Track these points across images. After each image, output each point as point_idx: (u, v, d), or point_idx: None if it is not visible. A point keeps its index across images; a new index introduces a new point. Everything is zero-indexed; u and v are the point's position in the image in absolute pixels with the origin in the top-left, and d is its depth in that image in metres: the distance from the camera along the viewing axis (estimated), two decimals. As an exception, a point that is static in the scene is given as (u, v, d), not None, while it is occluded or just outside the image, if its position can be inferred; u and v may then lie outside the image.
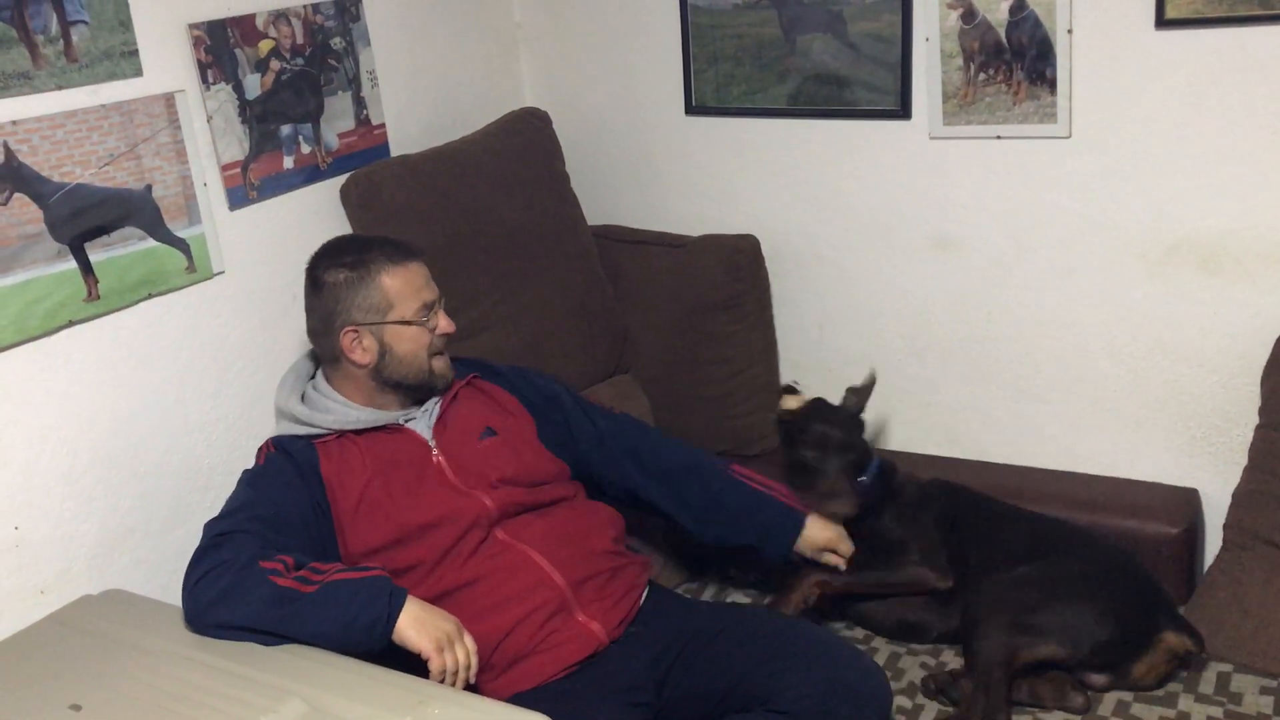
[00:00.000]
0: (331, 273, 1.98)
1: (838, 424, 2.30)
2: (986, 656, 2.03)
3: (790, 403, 2.38)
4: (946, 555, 2.24)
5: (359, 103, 2.45)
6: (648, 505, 2.24)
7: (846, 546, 2.22)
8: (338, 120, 2.41)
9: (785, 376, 2.81)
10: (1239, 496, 2.25)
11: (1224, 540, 2.26)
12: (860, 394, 2.37)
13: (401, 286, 1.98)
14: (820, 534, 2.21)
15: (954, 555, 2.24)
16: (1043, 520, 2.27)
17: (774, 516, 2.21)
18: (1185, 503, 2.38)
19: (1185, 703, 2.05)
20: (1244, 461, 2.26)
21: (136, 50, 1.99)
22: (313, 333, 2.04)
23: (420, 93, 2.62)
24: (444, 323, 2.03)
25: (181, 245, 2.10)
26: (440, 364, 2.04)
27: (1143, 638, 2.06)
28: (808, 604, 2.23)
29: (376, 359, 1.98)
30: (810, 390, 2.46)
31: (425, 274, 2.03)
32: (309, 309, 2.03)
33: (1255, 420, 2.25)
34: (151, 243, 2.04)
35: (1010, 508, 2.31)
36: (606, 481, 2.22)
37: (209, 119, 2.13)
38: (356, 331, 1.97)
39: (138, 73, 2.00)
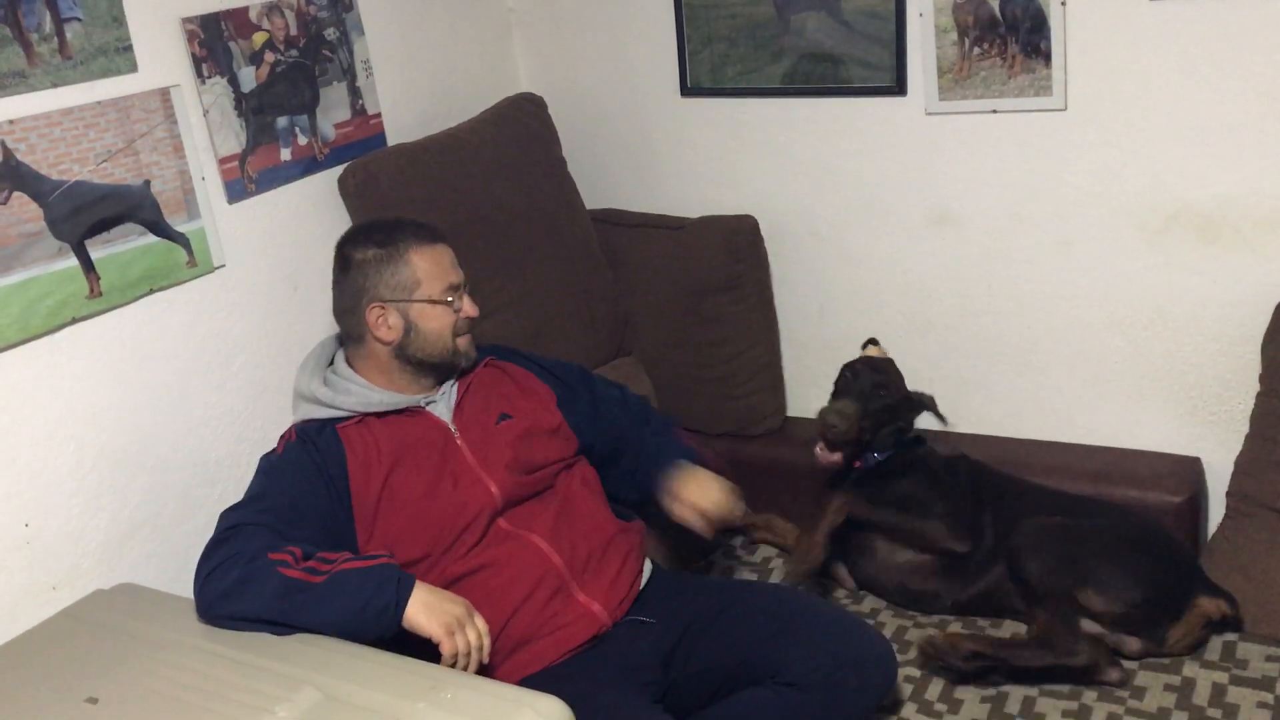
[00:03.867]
0: (361, 250, 1.99)
1: (888, 381, 2.34)
2: (1051, 591, 2.06)
3: (874, 351, 2.44)
4: (969, 523, 2.26)
5: (354, 93, 2.45)
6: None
7: (721, 513, 2.08)
8: (333, 111, 2.41)
9: (786, 357, 2.82)
10: (1241, 464, 2.26)
11: (1227, 508, 2.27)
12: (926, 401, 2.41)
13: (430, 266, 1.99)
14: (697, 487, 2.08)
15: (980, 525, 2.26)
16: (1070, 494, 2.30)
17: (670, 452, 2.18)
18: (1188, 471, 2.39)
19: (1190, 668, 2.06)
20: (1246, 429, 2.27)
21: (130, 46, 1.99)
22: (339, 311, 2.05)
23: (415, 81, 2.62)
24: (469, 306, 2.04)
25: (182, 240, 2.10)
26: (464, 343, 2.05)
27: (1177, 602, 2.07)
28: (835, 526, 2.27)
29: (401, 336, 1.99)
30: (812, 369, 2.47)
31: (452, 257, 2.04)
32: (337, 287, 2.04)
33: (1256, 388, 2.26)
34: (152, 238, 2.05)
35: (1036, 484, 2.33)
36: (601, 461, 2.22)
37: (205, 113, 2.13)
38: (383, 308, 1.98)
39: (132, 68, 2.00)
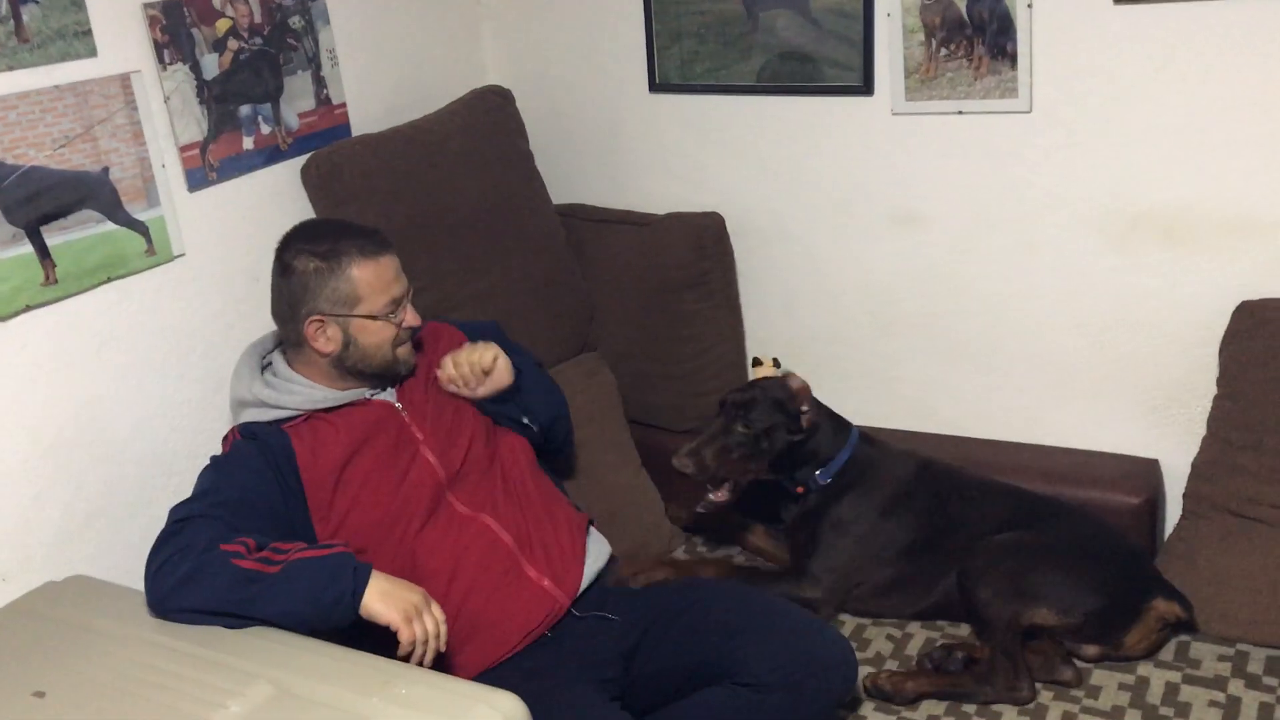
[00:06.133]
0: (302, 260, 1.95)
1: (755, 411, 2.28)
2: (996, 622, 2.06)
3: (760, 372, 2.39)
4: (925, 540, 2.27)
5: (319, 82, 2.43)
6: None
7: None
8: (298, 100, 2.38)
9: (751, 354, 2.81)
10: (1198, 466, 2.28)
11: (1184, 509, 2.29)
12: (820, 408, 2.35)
13: (372, 280, 1.96)
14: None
15: (943, 530, 2.26)
16: (1027, 493, 2.30)
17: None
18: (1147, 473, 2.41)
19: (1144, 668, 2.09)
20: (1203, 431, 2.29)
21: (90, 30, 1.96)
22: (277, 316, 2.03)
23: (381, 71, 2.60)
24: (411, 317, 2.02)
25: (140, 228, 2.07)
26: (404, 352, 2.04)
27: (1133, 607, 2.09)
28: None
29: (340, 349, 1.97)
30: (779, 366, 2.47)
31: (396, 267, 2.01)
32: (275, 291, 2.01)
33: (1214, 391, 2.28)
34: (110, 225, 2.02)
35: (995, 482, 2.33)
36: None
37: (166, 100, 2.11)
38: (322, 321, 1.95)
39: (92, 53, 1.97)
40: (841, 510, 2.29)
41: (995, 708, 2.03)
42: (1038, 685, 2.04)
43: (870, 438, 2.39)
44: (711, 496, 2.31)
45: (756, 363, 2.41)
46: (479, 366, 2.08)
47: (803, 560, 2.29)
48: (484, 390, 2.11)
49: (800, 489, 2.33)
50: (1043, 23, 2.27)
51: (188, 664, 1.60)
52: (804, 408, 2.29)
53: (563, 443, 2.32)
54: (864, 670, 2.13)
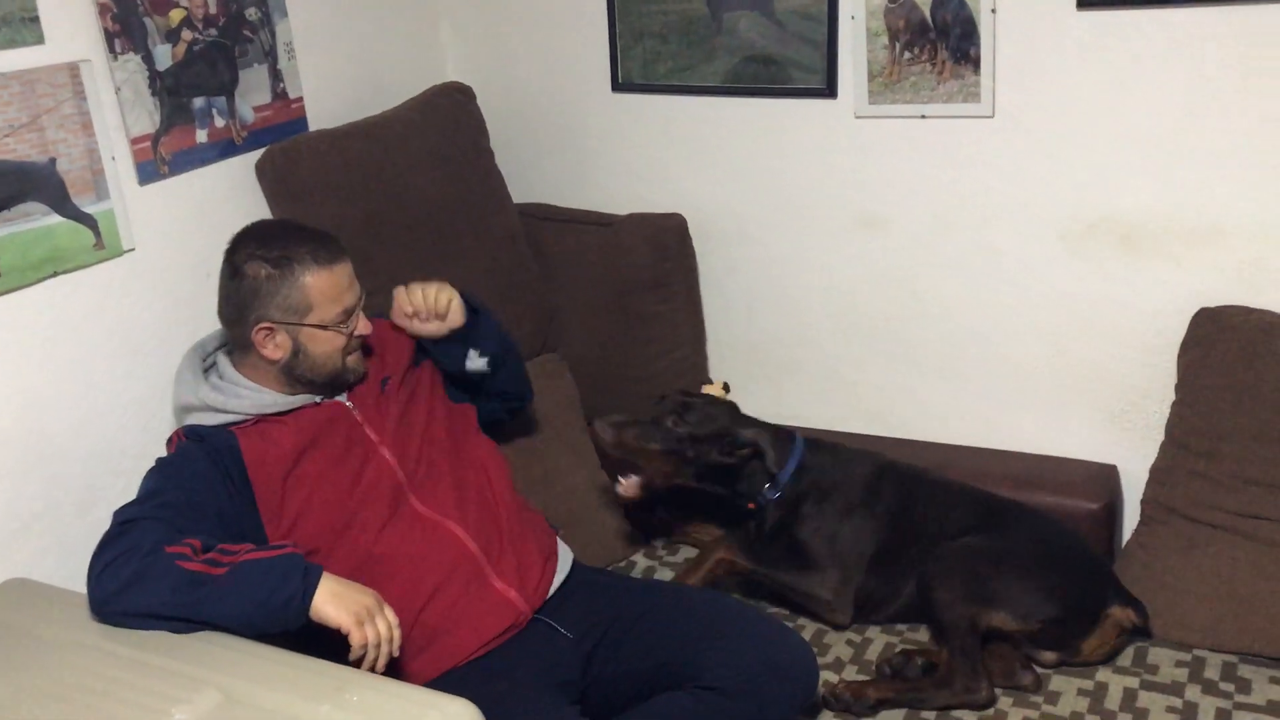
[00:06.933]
0: (253, 264, 1.90)
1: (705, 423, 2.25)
2: (955, 624, 2.05)
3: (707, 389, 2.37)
4: (879, 561, 2.24)
5: (275, 75, 2.38)
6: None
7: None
8: (253, 93, 2.34)
9: (713, 357, 2.81)
10: (1156, 472, 2.29)
11: (1141, 515, 2.30)
12: (760, 436, 2.28)
13: (325, 288, 1.92)
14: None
15: (905, 533, 2.24)
16: (988, 496, 2.29)
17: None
18: (1105, 478, 2.41)
19: (1103, 673, 2.09)
20: (1161, 438, 2.30)
21: (37, 16, 1.90)
22: (225, 319, 1.98)
23: (339, 66, 2.56)
24: (362, 325, 1.99)
25: (89, 221, 2.02)
26: (354, 360, 2.00)
27: (1091, 614, 2.09)
28: (714, 581, 2.24)
29: (289, 356, 1.93)
30: (738, 370, 2.45)
31: (349, 275, 1.97)
32: (223, 293, 1.96)
33: (1172, 397, 2.29)
34: (56, 218, 1.96)
35: (956, 484, 2.32)
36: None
37: (117, 90, 2.06)
38: (271, 329, 1.91)
39: (39, 40, 1.91)
40: (801, 521, 2.25)
41: (955, 713, 2.02)
42: (997, 690, 2.04)
43: (819, 443, 2.35)
44: (619, 485, 2.26)
45: (705, 383, 2.40)
46: (434, 308, 2.07)
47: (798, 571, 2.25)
48: (432, 328, 2.09)
49: (751, 505, 2.30)
50: (1006, 27, 2.28)
51: (132, 670, 1.56)
52: (743, 447, 2.25)
53: (517, 387, 2.28)
54: (824, 675, 2.11)
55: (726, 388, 2.44)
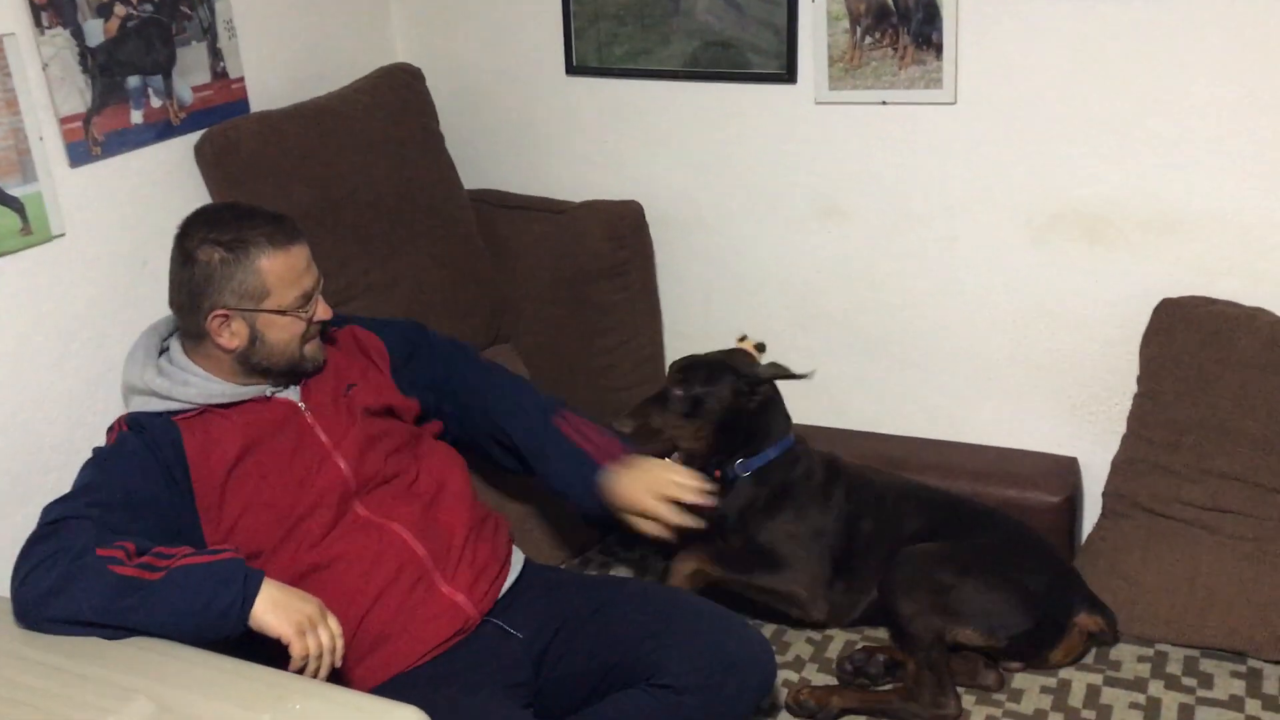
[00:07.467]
0: (206, 249, 1.82)
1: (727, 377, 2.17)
2: (920, 637, 1.99)
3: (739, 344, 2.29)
4: (842, 559, 2.19)
5: (215, 54, 2.29)
6: (479, 451, 2.16)
7: (679, 492, 1.99)
8: (192, 73, 2.25)
9: (669, 347, 2.76)
10: (1117, 465, 2.27)
11: (1103, 508, 2.28)
12: (776, 368, 2.22)
13: (283, 272, 1.84)
14: (630, 491, 1.99)
15: (866, 538, 2.19)
16: (951, 498, 2.24)
17: (576, 469, 2.06)
18: (1066, 471, 2.39)
19: (1066, 671, 2.07)
20: (1122, 430, 2.28)
21: (-44, -13, 1.81)
22: (176, 307, 1.90)
23: (283, 45, 2.47)
24: (322, 310, 1.91)
25: (15, 205, 1.93)
26: (312, 348, 1.93)
27: (1059, 624, 2.05)
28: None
29: (245, 345, 1.86)
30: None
31: (307, 258, 1.89)
32: (174, 280, 1.88)
33: (1134, 389, 2.27)
34: (-20, 201, 1.87)
35: (919, 485, 2.27)
36: (453, 420, 2.14)
37: (44, 66, 1.96)
38: (226, 316, 1.83)
39: (-43, 12, 1.82)
40: (765, 519, 2.18)
41: (914, 714, 1.99)
42: (959, 689, 2.00)
43: (802, 440, 2.29)
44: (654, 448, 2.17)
45: (741, 339, 2.33)
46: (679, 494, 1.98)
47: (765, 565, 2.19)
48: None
49: (717, 474, 2.20)
50: (969, 12, 2.24)
51: (57, 680, 1.48)
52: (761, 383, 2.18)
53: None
54: (784, 674, 2.07)
55: (761, 348, 2.35)
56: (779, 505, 2.19)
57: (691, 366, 2.20)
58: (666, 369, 2.59)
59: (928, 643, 1.99)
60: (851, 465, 2.29)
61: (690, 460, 2.17)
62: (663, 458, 2.13)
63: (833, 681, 2.08)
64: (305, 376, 1.95)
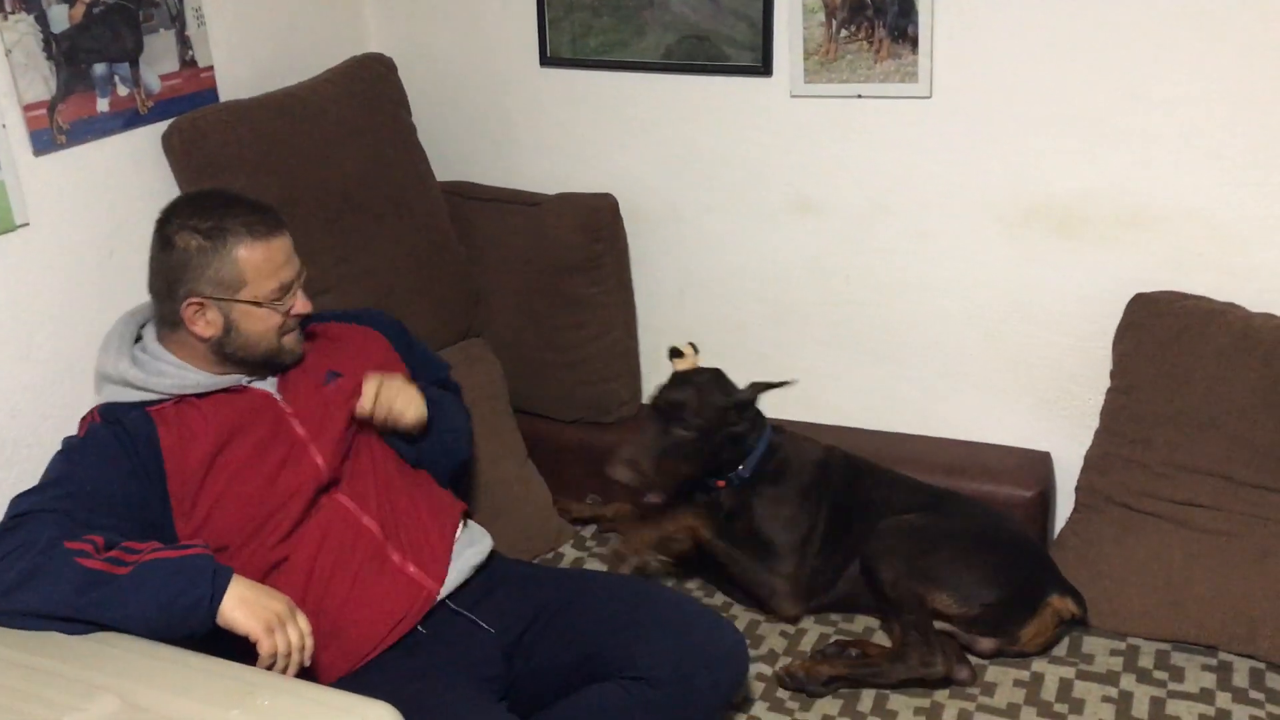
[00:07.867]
0: (184, 235, 1.80)
1: (687, 408, 2.18)
2: (903, 601, 2.03)
3: (681, 364, 2.29)
4: (829, 548, 2.21)
5: (184, 42, 2.26)
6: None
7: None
8: (160, 61, 2.21)
9: (643, 342, 2.74)
10: (1090, 459, 2.27)
11: (1076, 502, 2.29)
12: (758, 387, 2.25)
13: (260, 263, 1.82)
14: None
15: (849, 519, 2.21)
16: (930, 485, 2.27)
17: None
18: (1039, 466, 2.40)
19: (1038, 664, 2.07)
20: (1095, 424, 2.29)
21: (-84, -30, 1.77)
22: (153, 292, 1.87)
23: (253, 33, 2.43)
24: (301, 303, 1.89)
25: (-23, 193, 1.89)
26: (290, 340, 1.91)
27: (1031, 601, 2.07)
28: (670, 547, 2.23)
29: (220, 334, 1.83)
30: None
31: (288, 249, 1.87)
32: (153, 265, 1.86)
33: (1107, 383, 2.27)
34: (-60, 189, 1.83)
35: (900, 477, 2.29)
36: None
37: (7, 52, 1.92)
38: (202, 304, 1.81)
39: (-83, -4, 1.78)
40: (761, 505, 2.21)
41: (890, 706, 1.98)
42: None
43: (780, 427, 2.32)
44: (649, 498, 2.22)
45: (675, 354, 2.31)
46: (394, 420, 1.95)
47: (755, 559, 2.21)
48: (382, 427, 1.97)
49: (721, 483, 2.24)
50: (944, 7, 2.24)
51: (20, 675, 1.46)
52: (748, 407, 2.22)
53: (440, 470, 2.13)
54: (757, 668, 2.07)
55: (695, 349, 2.35)
56: (774, 491, 2.22)
57: (681, 404, 2.19)
58: (640, 366, 2.59)
59: (910, 606, 2.02)
60: (842, 450, 2.32)
61: (678, 481, 2.22)
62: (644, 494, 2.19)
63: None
64: (283, 369, 1.93)
